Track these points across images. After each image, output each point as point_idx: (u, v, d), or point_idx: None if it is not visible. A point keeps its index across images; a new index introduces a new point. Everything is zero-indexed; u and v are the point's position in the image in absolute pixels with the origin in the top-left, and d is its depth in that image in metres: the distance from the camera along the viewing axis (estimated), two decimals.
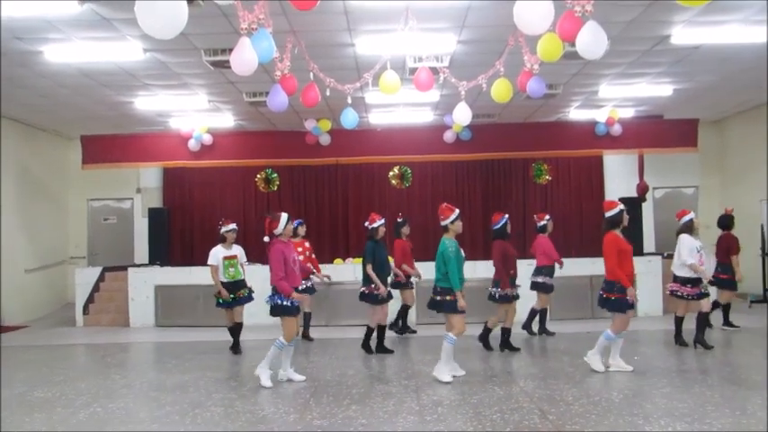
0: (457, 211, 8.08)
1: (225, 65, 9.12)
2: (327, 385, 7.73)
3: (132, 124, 15.15)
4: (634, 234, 14.34)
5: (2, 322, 13.79)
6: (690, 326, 9.68)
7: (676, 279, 9.55)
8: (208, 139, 14.50)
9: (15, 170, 14.80)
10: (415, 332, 11.60)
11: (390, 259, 10.53)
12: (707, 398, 6.68)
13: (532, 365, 8.69)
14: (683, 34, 9.93)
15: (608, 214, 8.31)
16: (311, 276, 10.88)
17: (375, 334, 9.72)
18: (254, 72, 7.21)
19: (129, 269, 13.91)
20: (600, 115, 14.47)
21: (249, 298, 10.13)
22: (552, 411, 6.36)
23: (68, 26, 8.97)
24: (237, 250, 10.15)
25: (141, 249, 16.71)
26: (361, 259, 10.15)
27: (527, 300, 11.25)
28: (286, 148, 14.95)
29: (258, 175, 17.50)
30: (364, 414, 6.43)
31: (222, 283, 9.86)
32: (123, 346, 11.32)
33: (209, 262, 9.94)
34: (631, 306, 8.00)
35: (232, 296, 9.90)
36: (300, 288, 8.38)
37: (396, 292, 10.68)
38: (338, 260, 14.78)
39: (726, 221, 11.02)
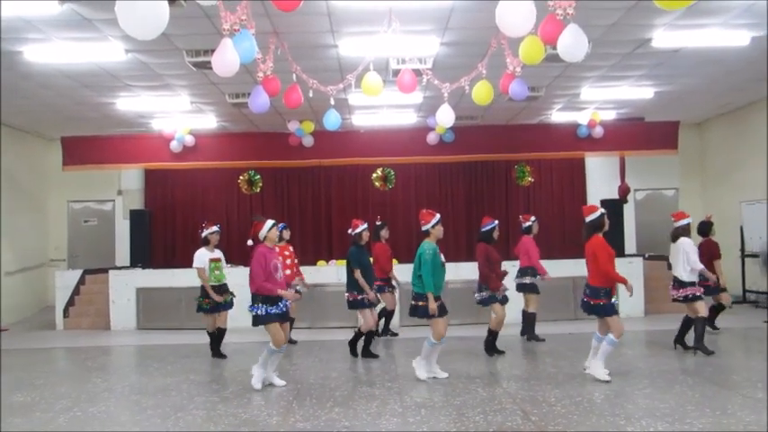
0: (437, 215, 8.06)
1: (207, 66, 9.07)
2: (311, 387, 7.71)
3: (114, 125, 15.04)
4: (616, 236, 14.46)
5: None
6: (675, 327, 9.68)
7: (683, 285, 9.18)
8: (190, 140, 14.44)
9: None
10: (396, 335, 11.52)
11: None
12: (688, 398, 6.73)
13: (515, 367, 8.71)
14: (664, 37, 10.01)
15: (589, 219, 8.05)
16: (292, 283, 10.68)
17: (363, 338, 9.61)
18: (236, 73, 7.19)
19: (110, 272, 13.80)
20: (582, 117, 14.56)
21: (231, 304, 9.96)
22: (535, 412, 6.38)
23: (48, 26, 8.90)
24: (219, 253, 10.03)
25: (122, 252, 16.59)
26: (343, 261, 10.11)
27: (513, 302, 11.32)
28: (269, 150, 14.92)
29: (241, 177, 17.43)
30: (347, 416, 6.41)
31: (220, 286, 9.73)
32: (104, 350, 11.23)
33: (195, 265, 9.71)
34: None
35: (211, 303, 9.66)
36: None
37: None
38: (321, 262, 14.77)
39: (705, 228, 10.94)
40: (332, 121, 9.99)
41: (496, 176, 17.70)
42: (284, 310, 7.74)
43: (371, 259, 10.31)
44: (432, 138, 14.47)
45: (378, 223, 11.10)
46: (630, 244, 16.25)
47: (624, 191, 15.67)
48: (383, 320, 11.27)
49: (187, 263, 10.09)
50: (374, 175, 17.47)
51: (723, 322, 11.99)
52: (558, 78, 12.17)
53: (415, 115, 14.97)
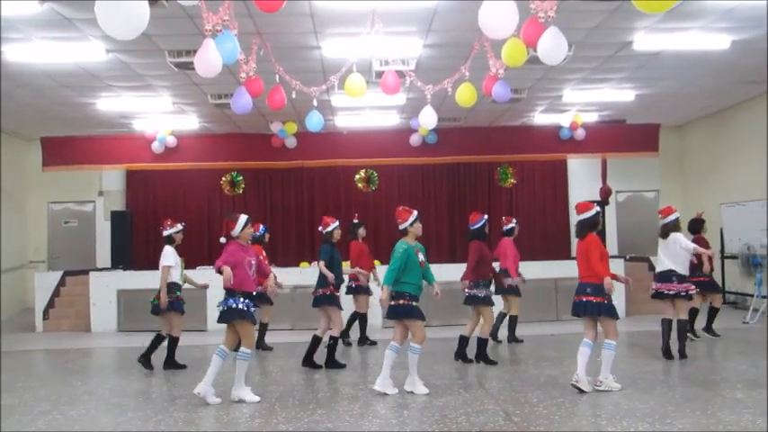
0: (415, 212, 7.67)
1: (189, 66, 9.03)
2: (293, 389, 7.69)
3: (95, 126, 14.93)
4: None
5: None
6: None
7: (678, 279, 9.01)
8: (172, 141, 14.37)
9: None
10: (374, 343, 10.82)
11: (346, 263, 10.14)
12: (668, 399, 6.77)
13: (498, 368, 8.72)
14: (645, 40, 10.09)
15: (584, 216, 7.66)
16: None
17: (324, 345, 9.01)
18: (219, 74, 7.17)
19: (91, 273, 13.70)
20: (564, 120, 14.64)
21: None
22: (517, 413, 6.39)
23: (28, 26, 8.82)
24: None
25: (103, 253, 16.48)
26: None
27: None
28: (251, 151, 14.89)
29: (223, 178, 17.34)
30: (330, 418, 6.40)
31: (177, 284, 9.17)
32: (84, 352, 11.13)
33: (167, 263, 9.02)
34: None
35: (180, 302, 9.19)
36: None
37: (349, 298, 10.40)
38: (304, 263, 14.73)
39: (697, 225, 10.93)
40: (315, 122, 9.98)
41: (479, 178, 17.74)
42: (251, 308, 7.24)
43: (347, 261, 10.19)
44: (415, 139, 14.50)
45: (355, 221, 10.98)
46: (612, 245, 16.35)
47: (606, 193, 15.77)
48: (349, 326, 10.84)
49: None
50: (357, 176, 17.45)
51: (702, 323, 12.11)
52: (541, 80, 12.23)
53: (398, 117, 14.98)
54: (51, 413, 6.84)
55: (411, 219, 7.57)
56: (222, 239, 7.49)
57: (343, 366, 8.88)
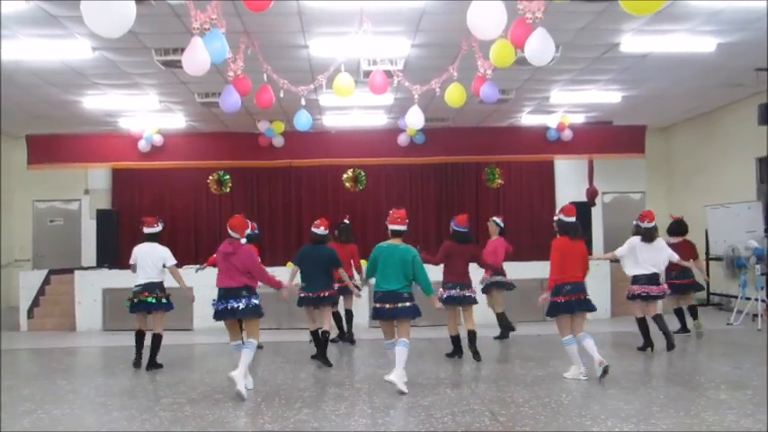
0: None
1: (176, 65, 9.00)
2: (279, 389, 7.67)
3: (80, 124, 14.85)
4: (583, 238, 14.60)
5: None
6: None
7: (654, 281, 9.37)
8: (158, 139, 14.32)
9: None
10: (353, 342, 10.91)
11: None
12: (652, 399, 6.81)
13: (484, 368, 8.74)
14: (632, 42, 10.14)
15: (567, 219, 8.22)
16: None
17: (317, 340, 9.17)
18: (206, 72, 7.15)
19: (76, 272, 13.61)
20: (551, 121, 14.69)
21: (161, 305, 9.12)
22: (503, 413, 6.41)
23: (15, 23, 8.76)
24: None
25: (89, 252, 16.40)
26: None
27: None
28: (239, 150, 14.85)
29: (210, 177, 17.27)
30: (316, 417, 6.39)
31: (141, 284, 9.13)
32: (69, 351, 11.06)
33: (131, 260, 9.19)
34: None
35: (137, 300, 9.09)
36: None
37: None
38: (291, 263, 14.68)
39: (679, 228, 11.16)
40: (302, 121, 9.97)
41: (467, 178, 17.76)
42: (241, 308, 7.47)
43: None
44: (402, 139, 14.51)
45: (346, 222, 11.04)
46: (598, 246, 16.41)
47: (592, 194, 15.85)
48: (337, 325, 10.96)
49: None
50: (345, 175, 17.43)
51: (687, 324, 12.20)
52: (528, 81, 12.27)
53: (386, 116, 14.99)
54: (36, 412, 6.79)
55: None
56: (242, 240, 7.60)
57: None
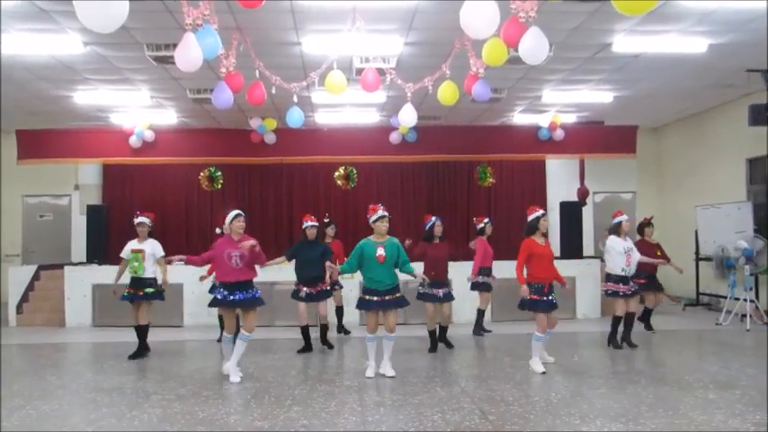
0: (379, 211, 8.20)
1: (168, 60, 8.98)
2: (269, 386, 7.67)
3: (71, 119, 14.78)
4: (574, 238, 14.67)
5: None
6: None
7: (610, 278, 9.85)
8: (150, 135, 14.26)
9: None
10: (348, 332, 11.57)
11: None
12: (641, 398, 6.84)
13: (474, 366, 8.76)
14: (624, 42, 10.17)
15: (528, 219, 8.66)
16: None
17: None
18: (198, 69, 7.12)
19: (66, 267, 13.57)
20: (543, 120, 14.71)
21: (151, 296, 9.62)
22: (492, 412, 6.42)
23: (5, 17, 8.70)
24: (150, 245, 9.72)
25: (79, 247, 16.31)
26: None
27: (470, 302, 11.46)
28: (230, 147, 14.80)
29: (201, 173, 17.24)
30: (306, 415, 6.39)
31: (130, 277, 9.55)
32: (59, 347, 11.02)
33: (122, 254, 9.77)
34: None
35: (129, 293, 9.53)
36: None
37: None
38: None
39: (641, 228, 11.59)
40: (295, 118, 9.96)
41: (458, 177, 17.78)
42: (227, 298, 7.92)
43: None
44: (394, 137, 14.49)
45: (325, 221, 11.36)
46: (588, 246, 16.47)
47: (583, 193, 15.89)
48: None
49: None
50: (336, 173, 17.42)
51: (676, 324, 12.27)
52: (521, 81, 12.29)
53: (378, 114, 14.99)
54: (24, 408, 6.77)
55: (374, 217, 8.18)
56: (217, 230, 8.32)
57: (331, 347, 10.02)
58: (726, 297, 12.71)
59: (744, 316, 11.72)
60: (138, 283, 9.56)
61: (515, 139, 15.17)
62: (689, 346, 10.50)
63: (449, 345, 10.01)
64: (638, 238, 11.36)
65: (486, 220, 11.25)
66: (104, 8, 5.18)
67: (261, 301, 8.14)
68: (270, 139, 14.35)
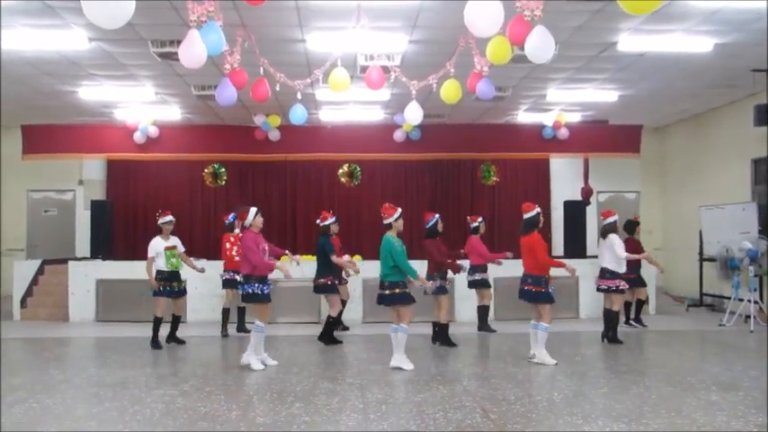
0: (399, 210, 8.51)
1: (173, 57, 8.98)
2: (271, 382, 7.68)
3: (76, 114, 14.81)
4: (578, 237, 14.66)
5: None
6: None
7: (611, 276, 10.03)
8: (154, 131, 14.26)
9: None
10: (347, 328, 11.67)
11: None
12: (644, 399, 6.83)
13: (476, 365, 8.76)
14: (629, 42, 10.15)
15: (528, 216, 8.78)
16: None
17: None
18: (202, 65, 7.13)
19: (70, 262, 13.59)
20: (547, 119, 14.68)
21: (185, 291, 10.33)
22: (494, 411, 6.42)
23: (10, 12, 8.72)
24: (175, 241, 10.23)
25: (83, 242, 16.35)
26: (310, 257, 10.84)
27: (470, 301, 11.45)
28: (234, 143, 14.80)
29: (205, 170, 17.27)
30: (308, 412, 6.40)
31: (164, 272, 9.93)
32: (62, 341, 11.04)
33: (150, 254, 9.94)
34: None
35: (168, 287, 9.97)
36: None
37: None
38: (285, 257, 14.67)
39: (631, 226, 11.67)
40: (298, 115, 9.96)
41: (462, 175, 17.78)
42: (266, 292, 8.50)
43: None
44: (398, 135, 14.48)
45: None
46: (592, 245, 16.40)
47: (587, 193, 15.86)
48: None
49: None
50: (340, 170, 17.44)
51: (679, 324, 12.26)
52: (525, 79, 12.27)
53: (383, 112, 14.98)
54: (27, 401, 6.79)
55: (396, 215, 8.47)
56: (237, 230, 9.04)
57: (340, 342, 10.16)
58: (729, 298, 12.68)
59: (747, 317, 11.70)
60: (174, 277, 10.05)
61: (519, 137, 15.14)
62: (692, 346, 10.49)
63: (451, 343, 10.01)
64: (625, 235, 11.43)
65: (480, 219, 11.42)
66: (111, 4, 5.19)
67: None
68: (274, 135, 14.35)
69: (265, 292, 8.45)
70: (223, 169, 17.30)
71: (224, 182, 17.39)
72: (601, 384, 7.49)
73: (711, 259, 14.23)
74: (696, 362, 9.39)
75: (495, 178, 17.66)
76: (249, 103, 13.10)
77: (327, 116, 15.15)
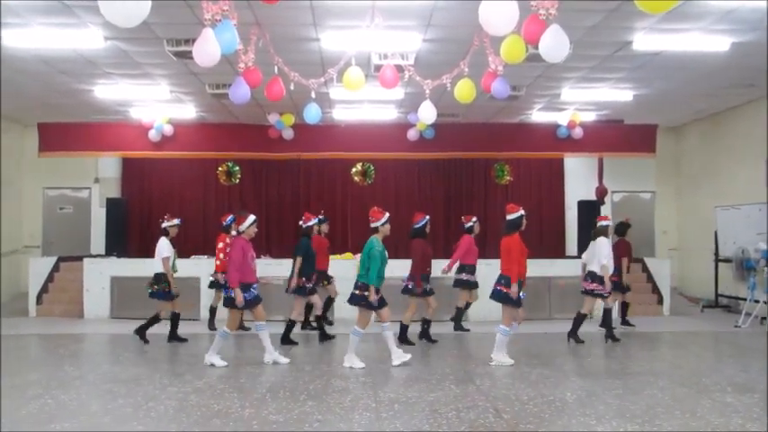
0: (387, 214, 8.69)
1: (188, 55, 9.00)
2: (284, 380, 7.70)
3: (91, 113, 14.90)
4: (591, 237, 14.59)
5: None
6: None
7: (595, 278, 10.07)
8: (169, 129, 14.32)
9: None
10: (331, 323, 11.85)
11: None
12: (658, 400, 6.80)
13: (488, 365, 8.74)
14: (645, 40, 10.09)
15: (512, 217, 8.74)
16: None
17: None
18: (217, 64, 7.15)
19: (85, 260, 13.69)
20: (562, 118, 14.61)
21: (178, 294, 10.29)
22: (507, 410, 6.41)
23: (28, 11, 8.79)
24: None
25: (98, 240, 16.47)
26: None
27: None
28: (248, 142, 14.83)
29: (219, 168, 17.33)
30: (320, 410, 6.41)
31: (163, 275, 10.05)
32: (77, 338, 11.13)
33: (164, 255, 10.05)
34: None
35: (164, 291, 10.10)
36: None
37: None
38: None
39: (622, 228, 11.71)
40: (313, 114, 9.97)
41: (476, 174, 17.76)
42: (255, 295, 8.57)
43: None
44: (412, 134, 14.46)
45: (320, 217, 11.44)
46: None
47: (601, 192, 15.78)
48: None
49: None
50: (353, 169, 17.45)
51: (694, 326, 12.19)
52: (539, 78, 12.23)
53: (396, 111, 14.97)
54: (43, 397, 6.84)
55: (383, 219, 8.64)
56: (233, 233, 8.94)
57: (295, 344, 10.07)
58: (745, 299, 12.60)
59: (764, 318, 11.62)
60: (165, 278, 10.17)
61: (533, 137, 15.07)
62: (707, 348, 10.42)
63: (431, 340, 10.27)
64: (616, 238, 11.55)
65: (474, 219, 11.45)
66: (127, 3, 5.22)
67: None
68: (287, 134, 14.37)
69: (247, 299, 8.43)
70: (237, 167, 17.35)
71: (237, 180, 17.45)
72: (614, 385, 7.46)
73: (727, 260, 14.13)
74: (711, 363, 9.33)
75: (508, 178, 17.60)
76: (263, 102, 13.13)
77: (341, 115, 15.16)
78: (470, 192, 17.72)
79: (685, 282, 17.09)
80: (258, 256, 13.34)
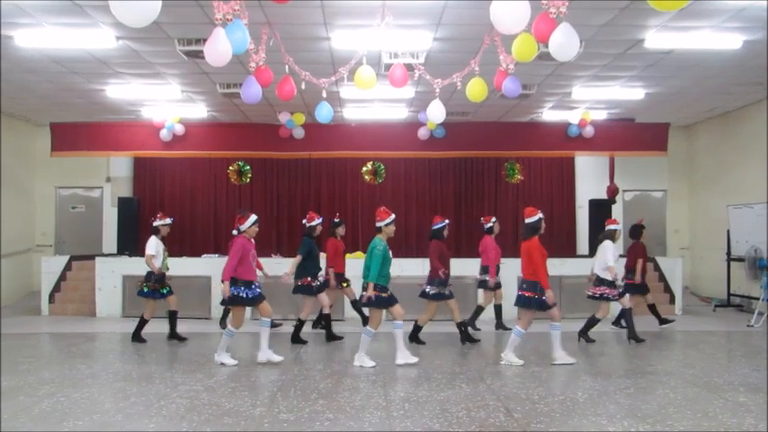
0: (392, 215, 8.72)
1: (199, 55, 9.05)
2: (295, 379, 7.72)
3: (103, 112, 14.97)
4: (597, 241, 14.54)
5: None
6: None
7: (603, 282, 10.04)
8: (180, 129, 14.37)
9: None
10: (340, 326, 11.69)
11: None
12: (670, 400, 6.77)
13: (499, 364, 8.73)
14: (656, 39, 10.04)
15: (530, 221, 8.63)
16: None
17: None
18: (228, 63, 7.16)
19: (97, 258, 13.75)
20: (573, 117, 14.57)
21: (171, 292, 10.42)
22: (518, 410, 6.40)
23: (40, 11, 8.83)
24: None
25: (110, 239, 16.56)
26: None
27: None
28: (259, 141, 14.86)
29: (230, 167, 17.38)
30: (331, 408, 6.42)
31: (155, 274, 10.19)
32: (89, 336, 11.19)
33: (149, 252, 10.17)
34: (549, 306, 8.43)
35: (156, 290, 10.22)
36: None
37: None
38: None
39: (636, 231, 11.63)
40: (324, 113, 9.97)
41: (486, 173, 17.73)
42: (258, 293, 8.55)
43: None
44: (422, 133, 14.45)
45: (336, 220, 11.35)
46: (618, 244, 16.28)
47: (613, 191, 15.72)
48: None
49: (174, 252, 10.14)
50: (364, 168, 17.46)
51: (706, 325, 12.13)
52: (550, 77, 12.19)
53: (407, 110, 14.96)
54: (55, 395, 6.89)
55: (388, 220, 8.69)
56: (234, 232, 8.80)
57: (305, 343, 10.10)
58: (758, 298, 12.53)
59: None
60: (162, 278, 10.30)
61: (544, 135, 15.02)
62: (719, 347, 10.37)
63: (473, 340, 10.18)
64: (630, 241, 11.58)
65: (493, 219, 11.43)
66: (138, 3, 5.24)
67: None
68: (298, 133, 14.39)
69: (249, 296, 8.45)
70: (248, 167, 17.41)
71: (248, 179, 17.49)
72: (626, 384, 7.43)
73: (739, 259, 14.05)
74: (723, 363, 9.28)
75: (519, 176, 17.57)
76: (274, 101, 13.16)
77: (351, 114, 15.17)
78: (481, 191, 17.70)
79: (697, 281, 17.01)
80: (269, 255, 13.53)
